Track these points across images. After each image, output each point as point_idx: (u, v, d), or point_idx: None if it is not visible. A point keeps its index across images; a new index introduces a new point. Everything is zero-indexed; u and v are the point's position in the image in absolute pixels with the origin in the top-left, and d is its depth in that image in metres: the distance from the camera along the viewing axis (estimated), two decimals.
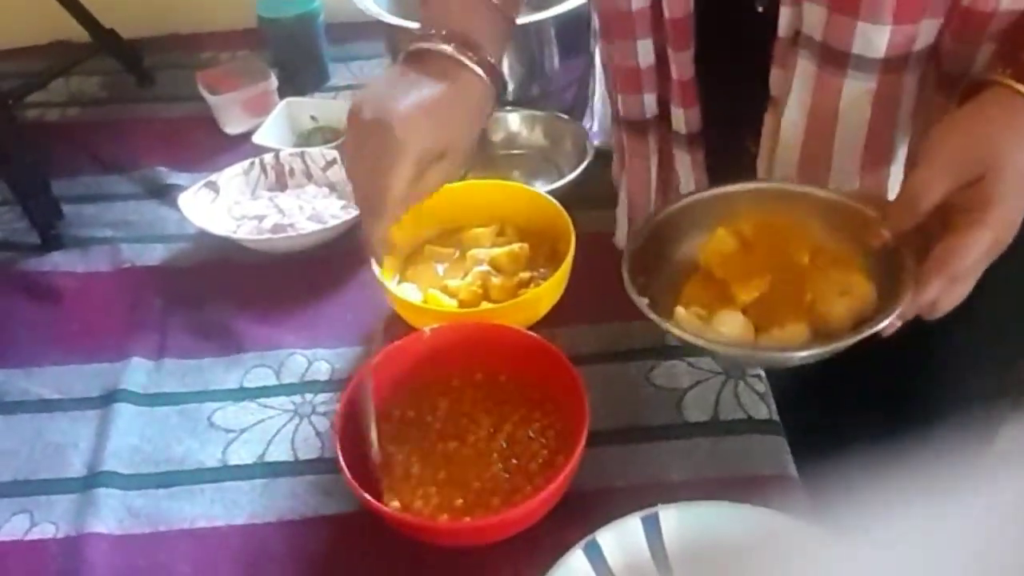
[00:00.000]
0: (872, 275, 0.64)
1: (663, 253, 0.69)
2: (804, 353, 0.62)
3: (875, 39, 0.62)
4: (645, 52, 0.74)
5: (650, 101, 0.78)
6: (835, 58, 0.64)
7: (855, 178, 0.70)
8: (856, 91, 0.65)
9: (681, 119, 0.76)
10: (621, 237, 0.87)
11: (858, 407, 0.88)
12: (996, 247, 0.57)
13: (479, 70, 0.68)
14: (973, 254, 0.55)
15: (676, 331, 0.62)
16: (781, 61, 0.68)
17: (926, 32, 0.62)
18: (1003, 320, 0.80)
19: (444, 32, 0.68)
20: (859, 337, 0.59)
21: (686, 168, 0.79)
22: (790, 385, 0.77)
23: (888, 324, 0.58)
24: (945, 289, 0.57)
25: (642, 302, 0.63)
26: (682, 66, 0.73)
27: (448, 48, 0.67)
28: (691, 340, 0.61)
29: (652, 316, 0.62)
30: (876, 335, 0.59)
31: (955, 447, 0.72)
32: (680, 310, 0.65)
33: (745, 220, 0.68)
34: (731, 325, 0.63)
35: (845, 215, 0.66)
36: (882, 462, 0.72)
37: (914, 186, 0.58)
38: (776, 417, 0.73)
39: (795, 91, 0.68)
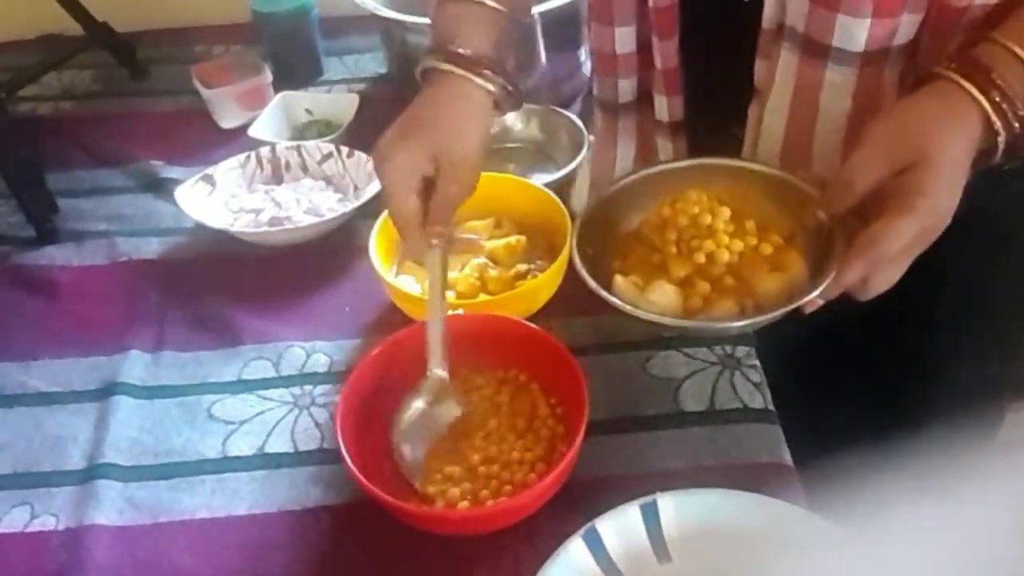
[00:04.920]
0: (807, 254, 0.66)
1: (615, 225, 0.71)
2: (723, 325, 0.65)
3: (855, 32, 0.62)
4: (623, 40, 0.75)
5: (625, 87, 0.78)
6: (816, 50, 0.65)
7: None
8: (836, 83, 0.66)
9: (664, 107, 0.77)
10: (577, 204, 0.87)
11: (858, 400, 0.89)
12: (926, 234, 0.58)
13: (478, 80, 0.67)
14: (898, 240, 0.57)
15: (611, 299, 0.64)
16: (765, 53, 0.69)
17: (906, 27, 0.63)
18: (1003, 314, 0.81)
19: (446, 47, 0.67)
20: (779, 313, 0.61)
21: (668, 156, 0.80)
22: (789, 376, 0.78)
23: (809, 302, 0.60)
24: (876, 271, 0.58)
25: (584, 269, 0.65)
26: (666, 55, 0.73)
27: (445, 66, 0.67)
28: (621, 307, 0.64)
29: (591, 283, 0.65)
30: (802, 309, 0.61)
31: (955, 440, 0.72)
32: (619, 278, 0.67)
33: (695, 194, 0.70)
34: (662, 296, 0.66)
35: (788, 193, 0.67)
36: (880, 453, 0.72)
37: (849, 171, 0.59)
38: (772, 407, 0.74)
39: (778, 83, 0.69)
